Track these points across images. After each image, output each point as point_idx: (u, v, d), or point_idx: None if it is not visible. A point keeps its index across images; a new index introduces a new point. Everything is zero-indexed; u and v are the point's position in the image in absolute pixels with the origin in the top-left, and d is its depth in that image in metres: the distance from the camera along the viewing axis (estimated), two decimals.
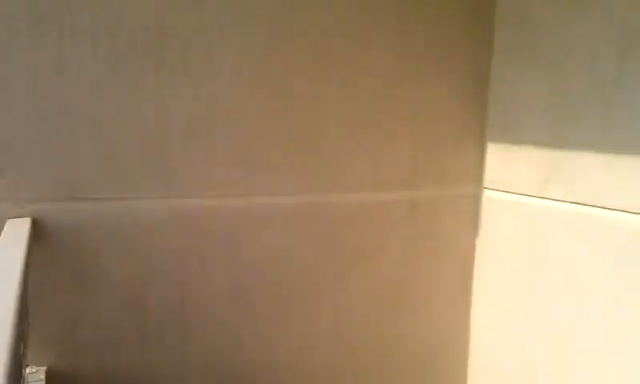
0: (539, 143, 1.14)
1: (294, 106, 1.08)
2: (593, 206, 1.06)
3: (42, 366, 0.94)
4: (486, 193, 1.28)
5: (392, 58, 1.14)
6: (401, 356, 1.26)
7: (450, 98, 1.22)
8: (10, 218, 0.90)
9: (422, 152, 1.20)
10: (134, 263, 0.99)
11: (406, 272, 1.23)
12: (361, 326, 1.20)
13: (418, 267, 1.24)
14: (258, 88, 1.05)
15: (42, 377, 0.92)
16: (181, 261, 1.03)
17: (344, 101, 1.12)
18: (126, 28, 0.93)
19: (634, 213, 1.01)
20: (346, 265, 1.18)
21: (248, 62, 1.03)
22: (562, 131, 1.10)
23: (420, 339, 1.27)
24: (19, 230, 0.87)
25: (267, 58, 1.04)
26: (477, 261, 1.30)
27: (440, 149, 1.22)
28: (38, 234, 0.91)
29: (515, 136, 1.20)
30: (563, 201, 1.11)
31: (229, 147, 1.03)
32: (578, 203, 1.08)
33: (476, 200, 1.29)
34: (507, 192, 1.23)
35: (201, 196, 1.03)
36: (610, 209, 1.04)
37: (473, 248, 1.30)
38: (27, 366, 0.89)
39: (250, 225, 1.08)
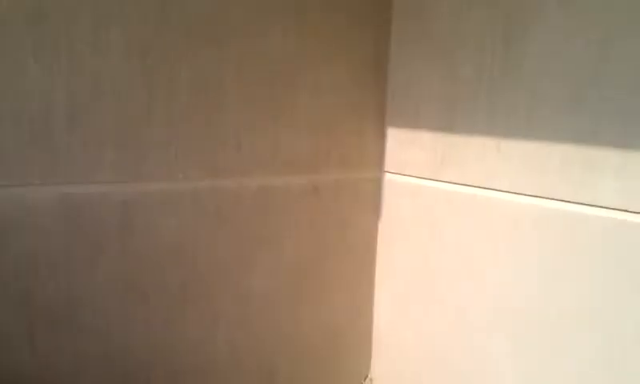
0: (435, 128, 1.18)
1: (189, 87, 1.04)
2: (483, 187, 1.11)
3: None
4: (387, 176, 1.30)
5: (291, 41, 1.13)
6: (305, 340, 1.26)
7: (350, 84, 1.23)
8: None
9: (324, 136, 1.20)
10: (19, 255, 0.92)
11: (310, 256, 1.23)
12: (264, 311, 1.19)
13: (322, 251, 1.25)
14: (148, 68, 1.00)
15: None
16: (70, 251, 0.96)
17: (243, 83, 1.09)
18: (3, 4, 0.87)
19: (519, 194, 1.07)
20: (248, 250, 1.15)
21: (139, 42, 0.99)
22: (454, 116, 1.14)
23: (324, 322, 1.28)
24: None
25: (159, 38, 1.00)
26: (379, 243, 1.34)
27: (342, 133, 1.23)
28: None
29: (413, 121, 1.23)
30: (457, 183, 1.15)
31: (119, 130, 0.98)
32: (469, 185, 1.13)
33: (377, 183, 1.31)
34: (406, 175, 1.26)
35: (90, 181, 0.97)
36: (498, 190, 1.09)
37: (375, 231, 1.33)
38: None
39: (145, 211, 1.03)
